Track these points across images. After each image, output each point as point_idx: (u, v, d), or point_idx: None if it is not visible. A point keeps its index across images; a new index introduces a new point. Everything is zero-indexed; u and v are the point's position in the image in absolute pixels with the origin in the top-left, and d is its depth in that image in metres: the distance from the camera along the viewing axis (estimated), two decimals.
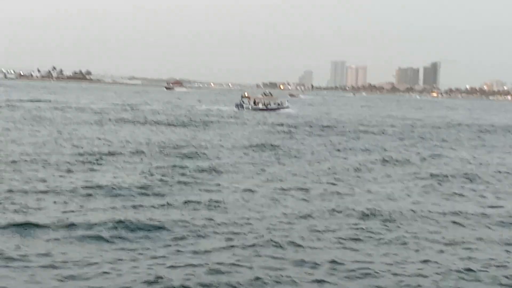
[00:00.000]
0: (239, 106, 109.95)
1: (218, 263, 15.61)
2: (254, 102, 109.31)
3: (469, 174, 34.78)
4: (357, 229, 19.97)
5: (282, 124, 73.28)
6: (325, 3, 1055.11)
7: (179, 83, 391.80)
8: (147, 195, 24.43)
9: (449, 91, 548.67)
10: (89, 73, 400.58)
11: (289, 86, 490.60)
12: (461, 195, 28.05)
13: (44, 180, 26.41)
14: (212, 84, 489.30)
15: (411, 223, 21.38)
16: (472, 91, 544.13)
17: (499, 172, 36.97)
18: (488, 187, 30.73)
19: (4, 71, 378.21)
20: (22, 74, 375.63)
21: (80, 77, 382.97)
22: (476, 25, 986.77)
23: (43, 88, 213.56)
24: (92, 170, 30.24)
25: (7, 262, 15.12)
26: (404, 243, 18.49)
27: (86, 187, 25.13)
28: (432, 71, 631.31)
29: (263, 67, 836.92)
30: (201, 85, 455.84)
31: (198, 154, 38.53)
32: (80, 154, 36.06)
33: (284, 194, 26.04)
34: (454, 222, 21.91)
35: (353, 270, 15.54)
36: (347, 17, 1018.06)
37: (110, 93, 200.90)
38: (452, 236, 19.64)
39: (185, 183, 27.56)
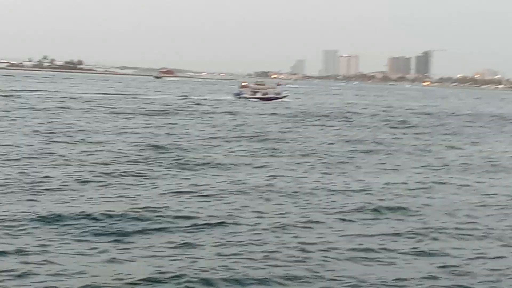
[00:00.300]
0: (238, 95, 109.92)
1: (210, 252, 15.81)
2: (253, 92, 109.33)
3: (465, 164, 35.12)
4: (350, 220, 20.17)
5: (278, 114, 73.63)
6: None
7: (171, 72, 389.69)
8: (141, 185, 24.65)
9: (441, 80, 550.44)
10: (80, 62, 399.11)
11: (280, 76, 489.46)
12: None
13: (35, 172, 26.35)
14: (204, 73, 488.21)
15: (400, 213, 21.62)
16: (463, 80, 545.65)
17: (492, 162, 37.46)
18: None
19: None
20: (12, 63, 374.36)
21: (72, 66, 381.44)
22: (468, 16, 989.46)
23: (31, 78, 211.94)
24: (85, 161, 30.25)
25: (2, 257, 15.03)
26: (395, 233, 18.64)
27: (80, 176, 25.28)
28: (424, 60, 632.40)
29: (255, 56, 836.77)
30: (193, 74, 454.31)
31: (192, 145, 38.73)
32: (74, 143, 36.37)
33: (276, 181, 26.44)
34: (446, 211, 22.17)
35: (347, 259, 15.73)
36: (343, 7, 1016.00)
37: (102, 82, 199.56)
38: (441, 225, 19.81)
39: (181, 173, 27.94)
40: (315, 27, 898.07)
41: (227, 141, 41.47)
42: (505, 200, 24.54)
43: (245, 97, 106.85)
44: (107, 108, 70.05)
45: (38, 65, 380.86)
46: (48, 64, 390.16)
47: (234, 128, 51.79)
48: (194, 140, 40.92)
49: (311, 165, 32.20)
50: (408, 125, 64.12)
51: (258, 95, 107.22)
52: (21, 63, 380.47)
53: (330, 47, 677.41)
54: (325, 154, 36.73)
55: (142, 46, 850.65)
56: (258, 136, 45.62)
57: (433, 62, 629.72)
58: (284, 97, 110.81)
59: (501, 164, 35.82)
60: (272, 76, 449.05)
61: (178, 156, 33.02)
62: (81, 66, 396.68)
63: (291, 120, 65.54)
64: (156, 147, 36.04)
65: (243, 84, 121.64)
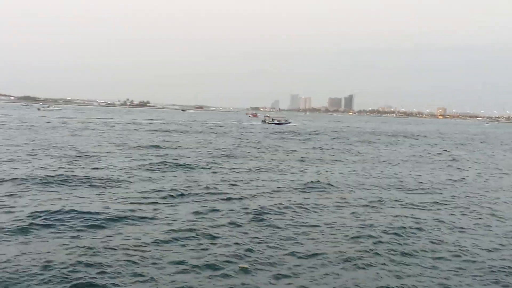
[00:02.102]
0: (263, 121, 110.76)
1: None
2: (272, 120, 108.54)
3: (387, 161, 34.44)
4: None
5: (287, 132, 70.24)
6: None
7: (201, 107, 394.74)
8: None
9: (359, 112, 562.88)
10: (148, 102, 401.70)
11: (265, 109, 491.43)
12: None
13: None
14: (220, 108, 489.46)
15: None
16: (372, 112, 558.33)
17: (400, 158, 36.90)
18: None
19: (98, 101, 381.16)
20: (108, 103, 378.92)
21: (142, 104, 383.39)
22: (374, 65, 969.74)
23: (125, 112, 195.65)
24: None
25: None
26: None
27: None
28: (350, 99, 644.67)
29: (247, 96, 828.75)
30: (213, 109, 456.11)
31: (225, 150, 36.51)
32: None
33: (260, 174, 24.13)
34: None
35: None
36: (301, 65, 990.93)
37: (161, 114, 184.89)
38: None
39: (216, 166, 25.82)
40: (286, 79, 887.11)
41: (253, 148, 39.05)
42: None
43: (267, 122, 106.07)
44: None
45: (123, 104, 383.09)
46: (129, 103, 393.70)
47: (254, 141, 48.60)
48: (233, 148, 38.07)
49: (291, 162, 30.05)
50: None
51: (275, 121, 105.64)
52: (113, 103, 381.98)
53: (294, 92, 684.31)
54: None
55: (186, 90, 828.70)
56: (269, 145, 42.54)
57: (355, 100, 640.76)
58: (290, 122, 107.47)
59: None
60: (261, 109, 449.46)
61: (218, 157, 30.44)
62: (148, 104, 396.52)
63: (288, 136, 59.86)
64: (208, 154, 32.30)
65: (266, 115, 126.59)
